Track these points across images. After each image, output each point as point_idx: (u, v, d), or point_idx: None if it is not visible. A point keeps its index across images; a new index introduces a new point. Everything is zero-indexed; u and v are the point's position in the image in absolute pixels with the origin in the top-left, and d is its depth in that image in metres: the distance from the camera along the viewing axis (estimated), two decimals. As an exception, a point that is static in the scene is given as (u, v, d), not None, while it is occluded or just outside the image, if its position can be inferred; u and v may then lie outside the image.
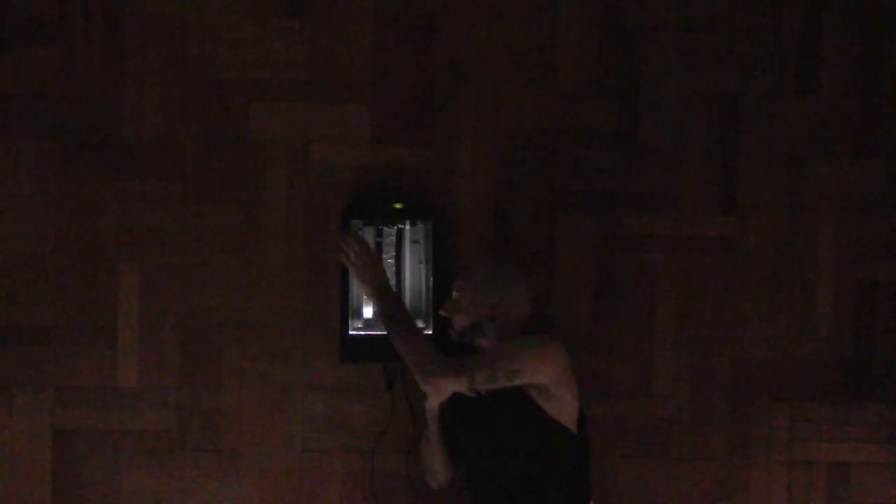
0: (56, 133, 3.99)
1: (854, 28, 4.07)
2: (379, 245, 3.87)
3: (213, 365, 4.01)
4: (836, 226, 4.08)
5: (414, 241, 3.88)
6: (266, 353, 4.02)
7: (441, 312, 3.68)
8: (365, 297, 3.78)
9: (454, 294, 3.66)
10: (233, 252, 4.02)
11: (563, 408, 3.45)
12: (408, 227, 3.88)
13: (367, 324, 3.86)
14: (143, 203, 4.00)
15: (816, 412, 4.09)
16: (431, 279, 3.88)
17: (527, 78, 4.04)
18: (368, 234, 3.87)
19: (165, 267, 4.01)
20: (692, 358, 4.07)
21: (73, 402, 4.00)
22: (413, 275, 3.89)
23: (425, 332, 3.79)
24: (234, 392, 4.02)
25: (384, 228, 3.89)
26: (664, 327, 4.06)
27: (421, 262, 3.90)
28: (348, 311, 3.88)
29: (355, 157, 4.02)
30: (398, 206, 3.91)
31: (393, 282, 3.82)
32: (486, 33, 4.04)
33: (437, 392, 3.41)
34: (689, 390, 4.07)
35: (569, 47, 4.05)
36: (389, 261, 3.87)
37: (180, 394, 4.01)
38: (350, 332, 3.87)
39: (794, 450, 4.09)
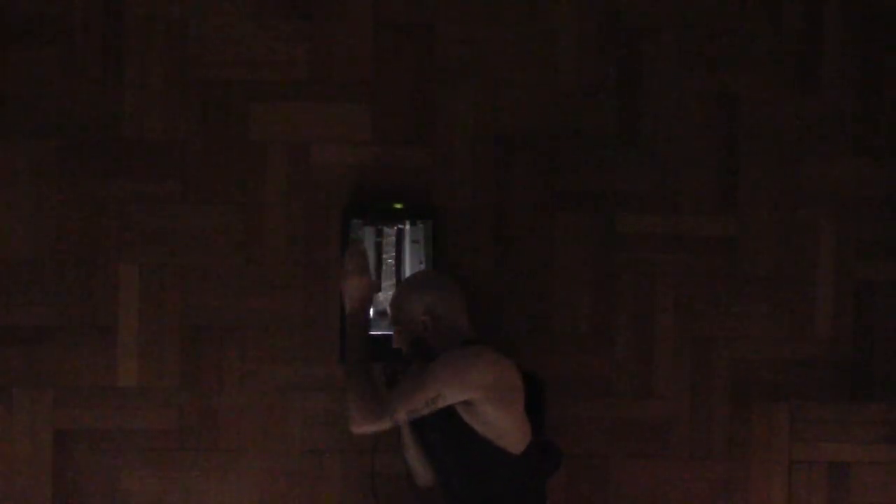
0: (56, 133, 3.99)
1: (854, 28, 4.07)
2: (379, 245, 3.87)
3: (213, 365, 4.01)
4: (836, 226, 4.08)
5: (414, 241, 3.88)
6: (266, 353, 4.02)
7: (394, 345, 3.53)
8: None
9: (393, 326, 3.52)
10: (233, 252, 4.02)
11: (493, 427, 3.31)
12: (408, 227, 3.88)
13: (367, 324, 3.86)
14: (143, 203, 4.00)
15: (816, 412, 4.09)
16: (431, 279, 3.88)
17: (527, 78, 4.04)
18: (368, 234, 3.87)
19: (165, 267, 4.01)
20: (692, 358, 4.07)
21: (73, 402, 3.99)
22: (413, 275, 3.89)
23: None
24: (234, 392, 4.01)
25: (384, 228, 3.89)
26: (664, 327, 4.06)
27: (421, 262, 3.90)
28: (348, 311, 3.88)
29: (355, 157, 4.02)
30: (398, 206, 3.91)
31: (393, 282, 3.83)
32: (486, 33, 4.04)
33: (364, 434, 3.37)
34: (689, 390, 4.07)
35: (569, 47, 4.05)
36: (389, 261, 3.88)
37: (180, 394, 4.01)
38: (350, 332, 3.88)
39: (794, 450, 4.09)
